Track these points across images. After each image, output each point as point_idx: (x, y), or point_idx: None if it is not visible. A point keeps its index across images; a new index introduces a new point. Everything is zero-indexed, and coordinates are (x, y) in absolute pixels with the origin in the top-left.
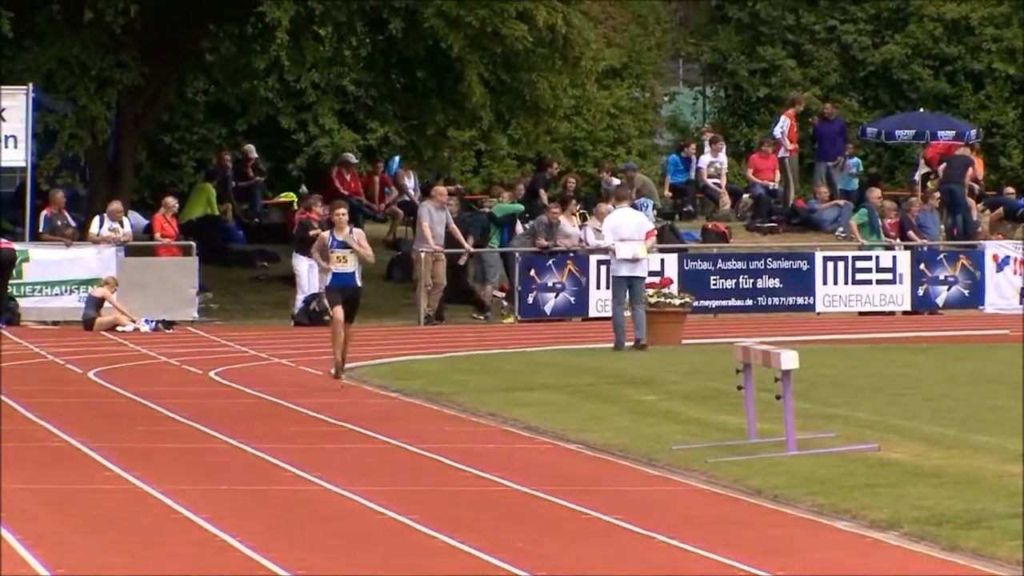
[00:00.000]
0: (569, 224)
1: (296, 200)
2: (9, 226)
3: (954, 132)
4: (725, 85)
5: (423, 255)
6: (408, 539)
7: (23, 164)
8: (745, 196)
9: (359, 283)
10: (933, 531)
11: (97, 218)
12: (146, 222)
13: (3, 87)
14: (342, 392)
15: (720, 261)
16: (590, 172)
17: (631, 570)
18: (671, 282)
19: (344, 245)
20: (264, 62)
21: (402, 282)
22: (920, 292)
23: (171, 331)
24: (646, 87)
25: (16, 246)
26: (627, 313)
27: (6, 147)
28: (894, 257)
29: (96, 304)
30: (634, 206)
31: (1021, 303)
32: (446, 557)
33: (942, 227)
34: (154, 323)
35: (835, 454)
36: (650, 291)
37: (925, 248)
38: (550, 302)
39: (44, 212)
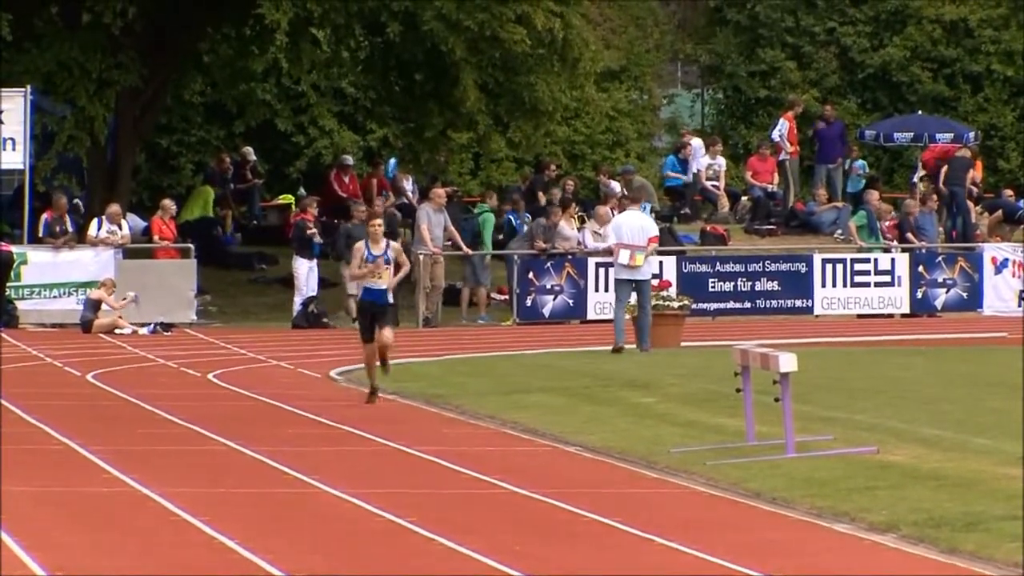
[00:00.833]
0: (568, 227)
1: (294, 202)
2: (8, 228)
3: (952, 134)
4: (724, 87)
5: (422, 258)
6: (406, 542)
7: (21, 167)
8: (744, 199)
9: (391, 299)
10: (932, 533)
11: (95, 220)
12: (144, 224)
13: (1, 90)
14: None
15: (718, 264)
16: (588, 175)
17: (630, 573)
18: (669, 284)
19: (379, 258)
20: (262, 64)
21: (402, 284)
22: (919, 295)
23: (169, 333)
24: (644, 89)
25: (14, 249)
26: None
27: (4, 149)
28: (892, 260)
29: (94, 306)
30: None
31: (1019, 306)
32: (444, 560)
33: (940, 229)
34: (152, 326)
35: (834, 456)
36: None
37: (923, 251)
38: (548, 305)
39: (45, 216)
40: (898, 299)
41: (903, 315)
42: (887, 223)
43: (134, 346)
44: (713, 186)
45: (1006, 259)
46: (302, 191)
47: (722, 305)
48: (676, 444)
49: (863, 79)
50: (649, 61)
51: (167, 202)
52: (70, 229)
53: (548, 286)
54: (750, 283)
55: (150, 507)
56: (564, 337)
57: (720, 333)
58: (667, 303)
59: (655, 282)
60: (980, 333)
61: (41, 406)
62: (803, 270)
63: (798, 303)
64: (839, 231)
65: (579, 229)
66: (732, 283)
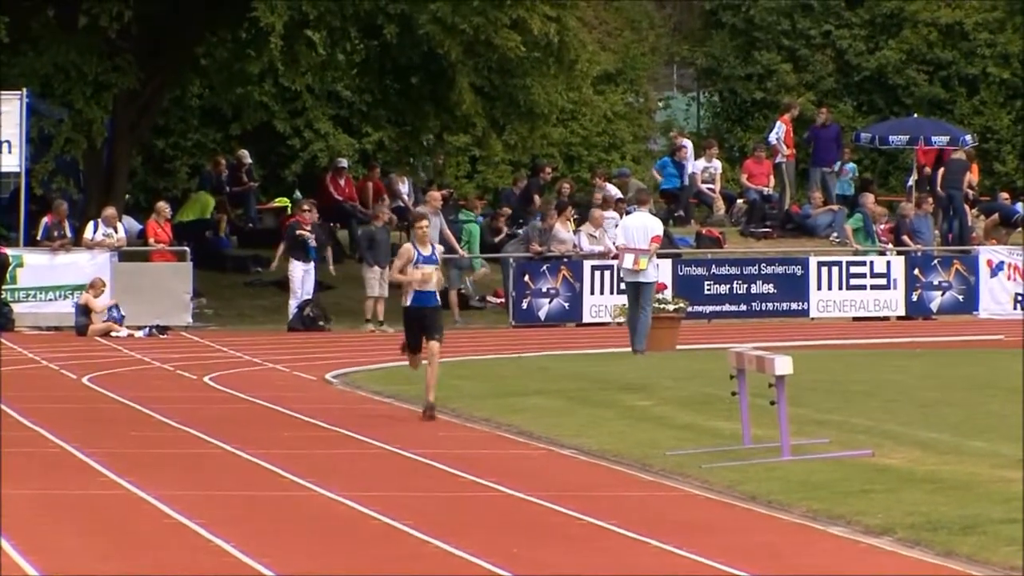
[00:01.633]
0: (563, 230)
1: (290, 205)
2: (3, 231)
3: (948, 137)
4: (719, 90)
5: None
6: (402, 544)
7: (17, 170)
8: (739, 201)
9: (439, 301)
10: (928, 537)
11: (91, 223)
12: (140, 227)
13: None
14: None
15: (714, 266)
16: (584, 177)
17: (625, 575)
18: (665, 287)
19: (429, 260)
20: (258, 67)
21: (397, 287)
22: (914, 297)
23: (165, 336)
24: (640, 92)
25: (10, 251)
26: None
27: (0, 152)
28: (888, 262)
29: (85, 310)
30: (627, 212)
31: (1015, 309)
32: (440, 562)
33: (936, 232)
34: (148, 329)
35: (829, 460)
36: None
37: (919, 253)
38: (544, 308)
39: (45, 220)
40: (894, 302)
41: (899, 318)
42: (883, 226)
43: (130, 349)
44: (709, 189)
45: (1002, 262)
46: (298, 194)
47: (718, 308)
48: (672, 447)
49: (859, 82)
50: (645, 64)
51: (162, 205)
52: (68, 234)
53: (544, 289)
54: (746, 286)
55: (146, 510)
56: (560, 340)
57: (716, 336)
58: (663, 306)
59: None
60: (976, 336)
61: (37, 409)
62: (799, 273)
63: (794, 306)
64: (835, 234)
65: (575, 232)
66: (728, 286)
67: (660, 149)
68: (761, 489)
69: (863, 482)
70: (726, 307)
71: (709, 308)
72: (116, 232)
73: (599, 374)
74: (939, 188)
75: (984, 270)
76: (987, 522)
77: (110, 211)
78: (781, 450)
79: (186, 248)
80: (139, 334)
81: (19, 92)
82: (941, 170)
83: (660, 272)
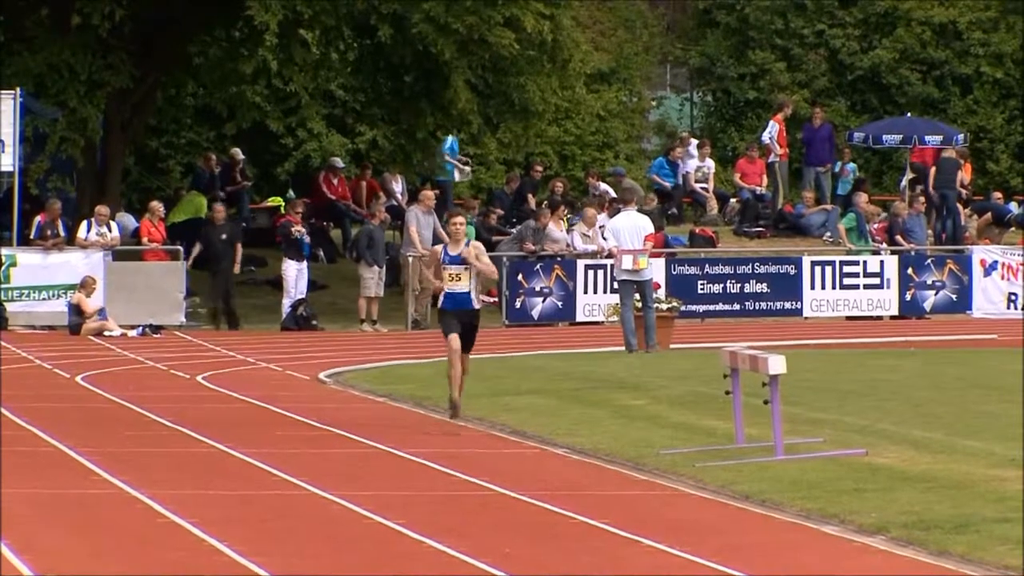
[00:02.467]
0: (556, 229)
1: (283, 205)
2: None
3: (942, 137)
4: (713, 89)
5: (411, 259)
6: (395, 544)
7: (11, 169)
8: (732, 201)
9: (476, 305)
10: (921, 536)
11: (85, 223)
12: (136, 225)
13: None
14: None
15: (708, 266)
16: (578, 176)
17: (618, 575)
18: (659, 287)
19: (459, 260)
20: (252, 66)
21: (390, 286)
22: (907, 297)
23: (159, 336)
24: (634, 91)
25: (4, 251)
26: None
27: None
28: (881, 262)
29: (78, 310)
30: (614, 212)
31: (1008, 308)
32: (433, 561)
33: (929, 232)
34: (141, 328)
35: (823, 459)
36: (637, 295)
37: (912, 253)
38: (537, 307)
39: (38, 219)
40: (887, 301)
41: (892, 317)
42: (876, 225)
43: (123, 348)
44: (702, 188)
45: (995, 261)
46: (291, 193)
47: (711, 307)
48: (665, 446)
49: (852, 81)
50: (638, 63)
51: (155, 204)
52: (62, 233)
53: (537, 288)
54: (739, 285)
55: (139, 509)
56: (553, 339)
57: (709, 335)
58: (656, 305)
59: None
60: (970, 335)
61: (31, 408)
62: (792, 272)
63: (787, 305)
64: (828, 233)
65: (568, 231)
66: (721, 285)
67: (654, 148)
68: (755, 488)
69: (857, 481)
70: (719, 306)
71: (702, 307)
72: (109, 231)
73: (592, 373)
74: (931, 188)
75: (977, 269)
76: (981, 521)
77: (103, 210)
78: (775, 449)
79: (179, 247)
80: (132, 333)
81: (13, 91)
82: (933, 169)
83: (653, 271)
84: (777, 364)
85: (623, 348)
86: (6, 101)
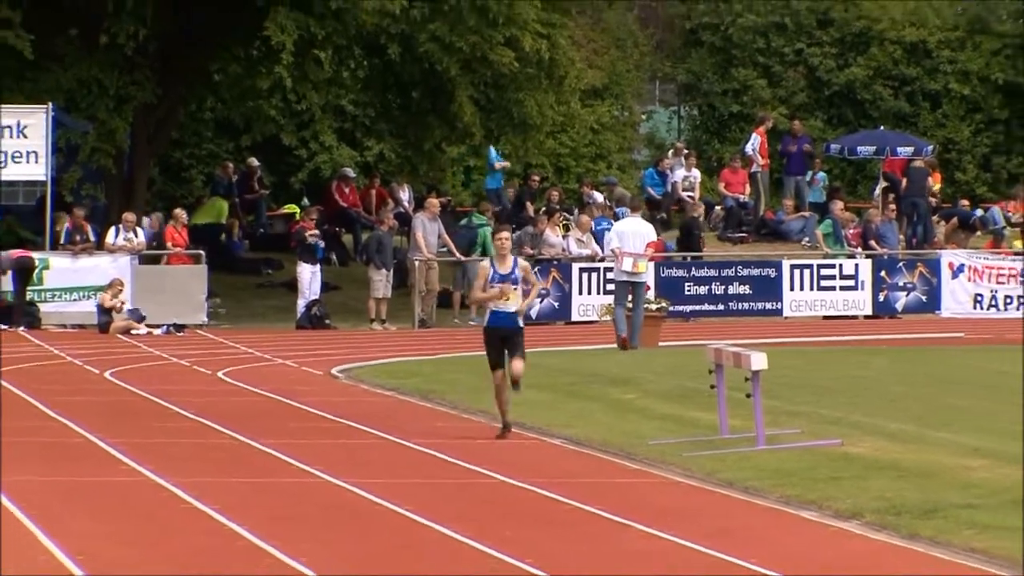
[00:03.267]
0: (553, 234)
1: (298, 212)
2: (30, 236)
3: (912, 148)
4: (699, 104)
5: (417, 263)
6: (403, 528)
7: (43, 178)
8: (717, 208)
9: (520, 323)
10: (893, 520)
11: (113, 228)
12: (152, 231)
13: (24, 106)
14: (343, 391)
15: (694, 269)
16: (572, 186)
17: (610, 557)
18: (648, 288)
19: (507, 279)
20: (268, 82)
21: (397, 288)
22: (880, 298)
23: (182, 334)
24: (625, 106)
25: (36, 255)
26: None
27: (27, 162)
28: (856, 265)
29: (107, 309)
30: (616, 216)
31: (975, 308)
32: (438, 546)
33: (901, 237)
34: (166, 327)
35: (801, 449)
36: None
37: (885, 257)
38: (535, 307)
39: (66, 224)
40: (861, 302)
41: (866, 317)
42: (851, 231)
43: (149, 346)
44: (688, 196)
45: (962, 265)
46: (306, 201)
47: (697, 307)
48: (654, 437)
49: (829, 96)
50: (629, 80)
51: (179, 211)
52: (91, 238)
53: None
54: (723, 287)
55: (164, 496)
56: (550, 337)
57: (695, 333)
58: (646, 305)
59: None
60: (939, 334)
61: (63, 402)
62: (773, 275)
63: (768, 305)
64: (806, 239)
65: (564, 236)
66: (707, 287)
67: (644, 159)
68: (738, 476)
69: (833, 470)
70: (705, 307)
71: (689, 308)
72: (136, 236)
73: (587, 369)
74: (903, 196)
75: (946, 272)
76: (948, 507)
77: (129, 217)
78: (756, 440)
79: (201, 252)
80: (157, 332)
81: (45, 106)
82: (904, 179)
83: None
84: (759, 361)
85: (615, 346)
86: (39, 115)
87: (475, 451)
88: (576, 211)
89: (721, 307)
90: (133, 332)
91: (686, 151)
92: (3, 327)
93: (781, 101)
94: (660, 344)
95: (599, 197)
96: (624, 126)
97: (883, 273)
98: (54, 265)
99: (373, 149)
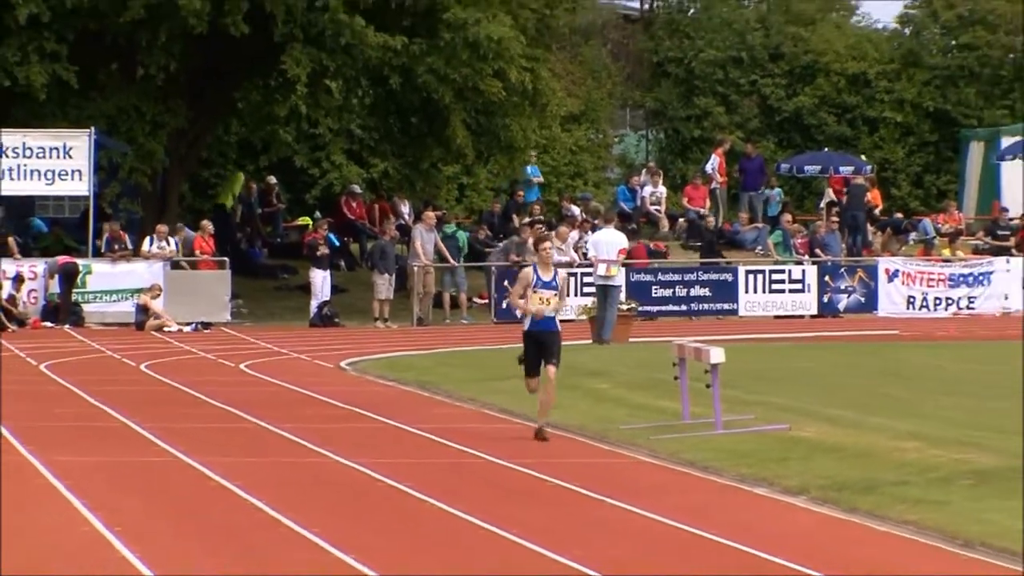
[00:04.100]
0: None
1: (311, 224)
2: (75, 244)
3: (853, 167)
4: (665, 128)
5: (416, 269)
6: (403, 503)
7: (86, 194)
8: (681, 220)
9: (558, 327)
10: (835, 496)
11: (148, 238)
12: (194, 235)
13: (69, 130)
14: (357, 388)
15: (660, 274)
16: (553, 200)
17: (587, 527)
18: (620, 290)
19: (550, 285)
20: (285, 110)
21: (399, 291)
22: (825, 299)
23: (208, 331)
24: (599, 130)
25: (80, 261)
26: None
27: (72, 179)
28: (803, 271)
29: (143, 309)
30: (595, 228)
31: (908, 309)
32: (434, 517)
33: (843, 245)
34: (194, 325)
35: (754, 433)
36: None
37: (829, 263)
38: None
39: (106, 234)
40: (808, 303)
41: (812, 316)
42: (799, 241)
43: (179, 342)
44: (655, 210)
45: (897, 270)
46: (317, 214)
47: (663, 308)
48: (625, 422)
49: (780, 122)
50: (603, 107)
51: (206, 223)
52: (128, 246)
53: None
54: (686, 290)
55: (193, 474)
56: None
57: (662, 331)
58: (618, 306)
59: None
60: (876, 331)
61: (102, 391)
62: (730, 279)
63: (725, 306)
64: (759, 247)
65: None
66: (671, 290)
67: (616, 177)
68: (698, 457)
69: (782, 451)
70: (670, 307)
71: (656, 308)
72: (168, 245)
73: (565, 362)
74: (844, 209)
75: (883, 277)
76: (884, 484)
77: (162, 228)
78: (715, 425)
79: (226, 259)
80: (187, 329)
81: (88, 130)
82: (845, 194)
83: (621, 278)
84: (717, 355)
85: (591, 341)
86: (83, 138)
87: (467, 435)
88: (555, 222)
89: (684, 307)
90: (165, 330)
91: (651, 169)
92: (51, 324)
93: (737, 126)
94: (631, 340)
95: (576, 211)
96: (599, 148)
97: (827, 278)
98: (96, 270)
99: (378, 167)
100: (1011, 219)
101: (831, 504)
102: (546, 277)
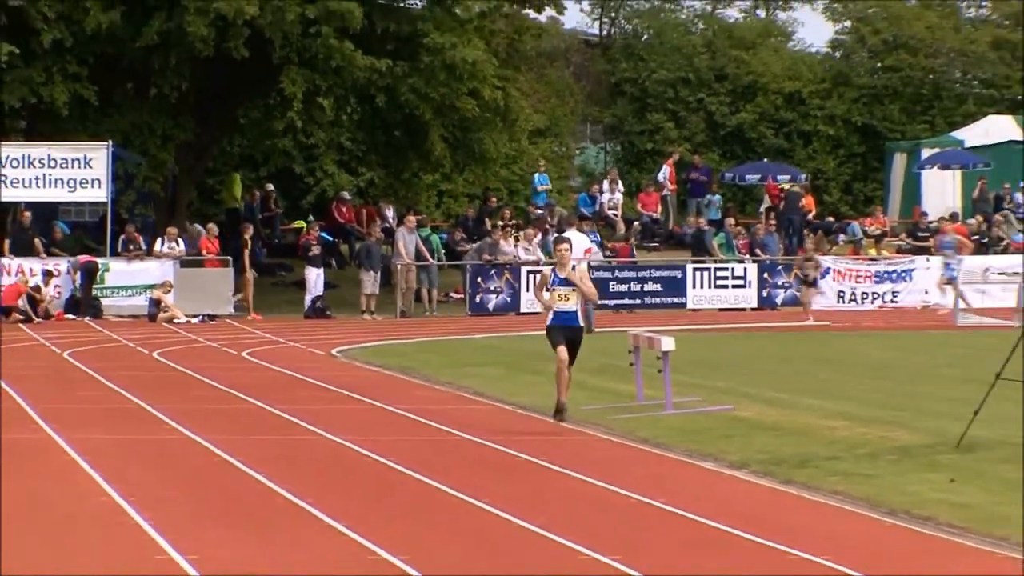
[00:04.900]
0: (506, 244)
1: (306, 226)
2: (94, 245)
3: (789, 176)
4: (621, 141)
5: (399, 267)
6: (386, 475)
7: (104, 200)
8: (635, 223)
9: (581, 323)
10: (773, 469)
11: (159, 239)
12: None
13: (89, 143)
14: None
15: (617, 271)
16: (522, 205)
17: (551, 497)
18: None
19: (567, 283)
20: (283, 124)
21: (384, 286)
22: (764, 294)
23: (214, 323)
24: (563, 143)
25: (100, 260)
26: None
27: (92, 187)
28: (745, 268)
29: (156, 303)
30: (561, 231)
31: (837, 302)
32: (414, 488)
33: (781, 246)
34: (201, 317)
35: (701, 413)
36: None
37: (768, 262)
38: (492, 301)
39: (122, 236)
40: (749, 297)
41: (752, 309)
42: (741, 242)
43: (187, 332)
44: (612, 214)
45: (828, 268)
46: (311, 218)
47: (620, 301)
48: (585, 403)
49: (724, 136)
50: (566, 122)
51: (212, 226)
52: (142, 247)
53: (492, 288)
54: (640, 285)
55: (199, 451)
56: (504, 325)
57: (618, 322)
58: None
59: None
60: (809, 323)
61: (119, 376)
62: (679, 276)
63: (675, 300)
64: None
65: (514, 246)
66: (627, 285)
67: (577, 185)
68: (651, 434)
69: (726, 429)
70: (626, 300)
71: (613, 301)
72: (177, 246)
73: (533, 350)
74: (781, 214)
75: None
76: (817, 459)
77: (172, 230)
78: (665, 406)
79: (229, 257)
80: (194, 321)
81: (105, 143)
82: (782, 200)
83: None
84: (668, 343)
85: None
86: (101, 150)
87: (444, 415)
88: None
89: (638, 301)
90: (175, 321)
91: (612, 176)
92: (73, 317)
93: (686, 139)
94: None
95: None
96: (562, 159)
97: (766, 275)
98: (113, 268)
99: (365, 176)
100: (930, 222)
101: (770, 476)
102: (563, 275)
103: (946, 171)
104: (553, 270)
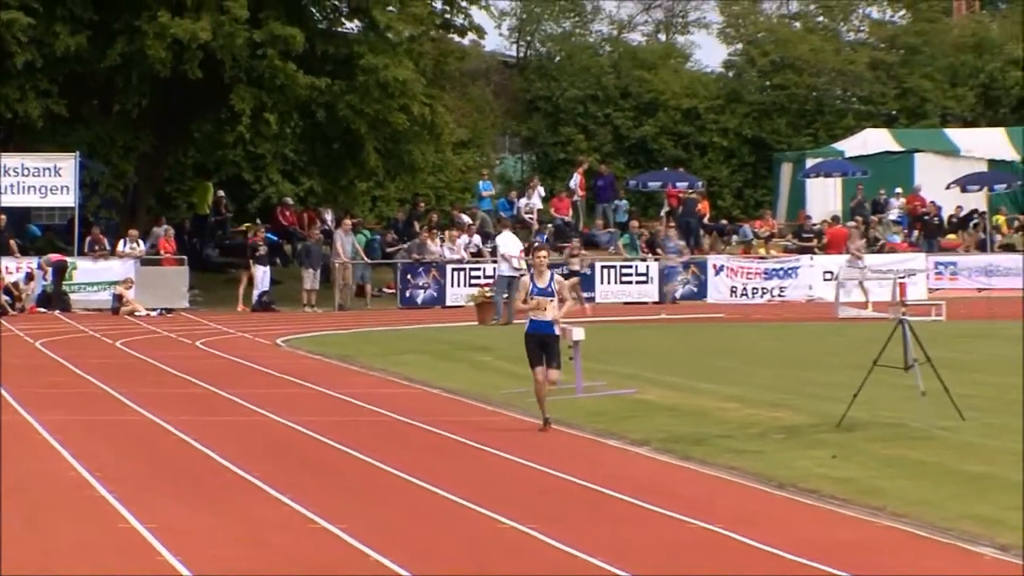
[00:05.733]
0: (432, 244)
1: (253, 229)
2: (63, 245)
3: (687, 183)
4: (536, 152)
5: (337, 265)
6: (328, 453)
7: (72, 205)
8: (549, 226)
9: (556, 331)
10: (672, 446)
11: (122, 240)
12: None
13: (58, 154)
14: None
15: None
16: (446, 209)
17: (476, 472)
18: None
19: (544, 292)
20: (232, 137)
21: (323, 283)
22: (664, 289)
23: (170, 316)
24: (484, 153)
25: (69, 259)
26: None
27: (61, 194)
28: (647, 266)
29: (119, 298)
30: (496, 232)
31: (731, 296)
32: (354, 465)
33: (682, 243)
34: (159, 310)
35: (607, 396)
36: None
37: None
38: (420, 296)
39: (88, 238)
40: (651, 292)
41: (654, 303)
42: (643, 242)
43: (147, 323)
44: (529, 218)
45: (722, 266)
46: (258, 221)
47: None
48: (505, 388)
49: (628, 147)
50: (487, 135)
51: (168, 228)
52: (106, 247)
53: (420, 283)
54: None
55: (158, 431)
56: (431, 318)
57: None
58: (505, 295)
59: (490, 281)
60: (706, 315)
61: (86, 364)
62: (589, 272)
63: (586, 295)
64: (612, 247)
65: (440, 245)
66: None
67: (498, 192)
68: (563, 415)
69: (630, 411)
70: None
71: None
72: (138, 246)
73: (456, 339)
74: (680, 217)
75: (711, 271)
76: (711, 438)
77: (133, 232)
78: (576, 389)
79: (184, 256)
80: (153, 314)
81: (73, 154)
82: (680, 205)
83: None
84: (578, 333)
85: (476, 323)
86: (69, 160)
87: (378, 398)
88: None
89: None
90: (136, 314)
91: (534, 184)
92: (44, 310)
93: (595, 150)
94: (514, 322)
95: (466, 219)
96: (483, 167)
97: (666, 272)
98: (80, 266)
99: (306, 184)
100: (814, 224)
101: (669, 453)
102: (541, 284)
103: (828, 179)
104: (531, 279)
